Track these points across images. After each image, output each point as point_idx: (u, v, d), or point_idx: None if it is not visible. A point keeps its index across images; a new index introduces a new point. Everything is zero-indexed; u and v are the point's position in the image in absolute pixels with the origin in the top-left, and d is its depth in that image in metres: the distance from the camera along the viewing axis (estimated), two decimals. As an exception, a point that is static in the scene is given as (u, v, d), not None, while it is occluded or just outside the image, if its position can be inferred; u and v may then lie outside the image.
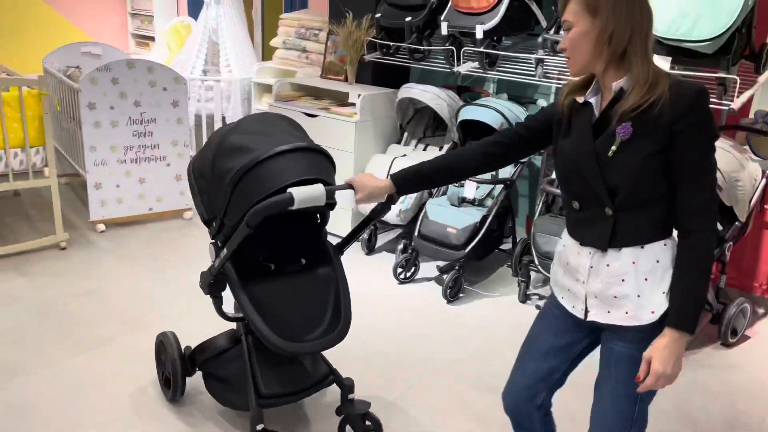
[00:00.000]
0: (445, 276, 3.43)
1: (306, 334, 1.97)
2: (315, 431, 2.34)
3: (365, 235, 3.93)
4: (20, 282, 3.31)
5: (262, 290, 2.01)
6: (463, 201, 3.58)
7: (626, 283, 1.44)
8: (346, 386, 2.17)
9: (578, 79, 1.51)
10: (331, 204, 1.88)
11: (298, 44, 4.96)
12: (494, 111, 3.43)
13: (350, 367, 2.71)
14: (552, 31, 3.39)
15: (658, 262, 1.42)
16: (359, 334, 2.99)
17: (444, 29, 3.61)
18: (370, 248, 3.96)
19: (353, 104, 4.01)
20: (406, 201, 3.68)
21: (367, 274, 3.65)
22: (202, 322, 3.01)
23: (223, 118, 5.17)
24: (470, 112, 3.51)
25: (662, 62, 2.90)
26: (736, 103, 2.82)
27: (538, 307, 3.34)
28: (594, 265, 1.48)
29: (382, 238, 4.13)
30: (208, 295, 2.09)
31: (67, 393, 2.45)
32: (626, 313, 1.45)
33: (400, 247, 3.71)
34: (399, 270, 3.58)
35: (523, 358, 1.71)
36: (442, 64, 3.85)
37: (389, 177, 1.76)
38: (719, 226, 2.79)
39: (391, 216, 3.69)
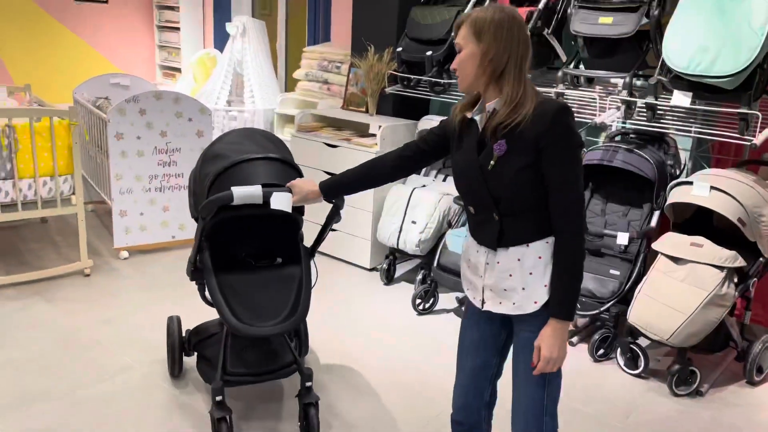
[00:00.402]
0: (463, 307, 3.41)
1: (262, 321, 2.22)
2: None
3: (385, 266, 3.94)
4: (44, 308, 3.37)
5: (233, 280, 2.30)
6: (482, 233, 3.58)
7: (513, 277, 1.64)
8: (305, 374, 2.39)
9: (469, 98, 1.70)
10: (299, 209, 2.25)
11: (321, 76, 5.05)
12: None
13: (369, 396, 2.70)
14: (572, 66, 3.43)
15: (540, 258, 1.62)
16: (378, 364, 2.98)
17: (464, 63, 3.66)
18: (389, 278, 3.97)
19: (374, 135, 4.06)
20: (426, 231, 3.69)
21: (385, 304, 3.65)
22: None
23: (246, 148, 5.25)
24: (490, 145, 3.53)
25: (683, 97, 2.91)
26: (759, 138, 2.80)
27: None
28: (488, 261, 1.69)
29: (401, 269, 4.13)
30: (196, 282, 2.42)
31: (88, 420, 2.47)
32: (514, 303, 1.66)
33: (419, 277, 3.71)
34: (418, 301, 3.57)
35: (459, 359, 1.87)
36: (462, 96, 3.89)
37: (318, 184, 2.00)
38: (733, 256, 2.76)
39: (411, 246, 3.70)
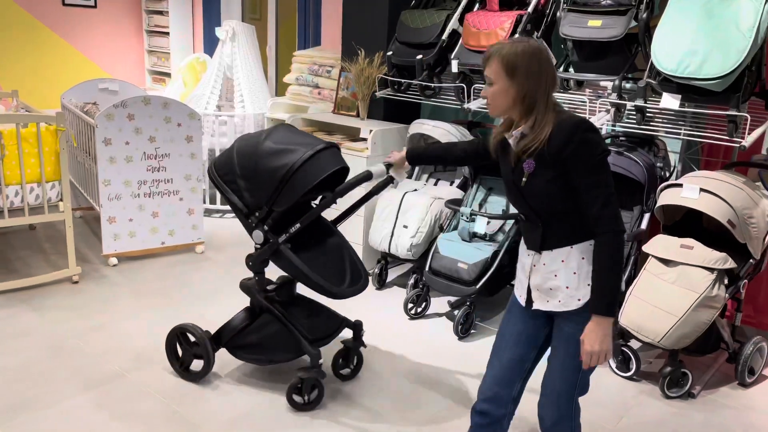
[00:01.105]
0: (456, 311, 3.41)
1: (343, 285, 2.61)
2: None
3: (376, 270, 3.92)
4: (32, 316, 3.33)
5: (303, 255, 2.58)
6: (474, 236, 3.58)
7: (558, 277, 1.80)
8: (357, 326, 2.85)
9: (505, 123, 1.88)
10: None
11: (311, 80, 5.04)
12: (505, 147, 3.45)
13: (363, 401, 2.68)
14: (562, 69, 3.43)
15: (583, 259, 1.77)
16: (370, 368, 2.96)
17: (454, 67, 3.66)
18: (381, 283, 3.95)
19: (365, 139, 4.05)
20: (417, 235, 3.68)
21: (377, 309, 3.63)
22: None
23: (236, 153, 5.23)
24: (481, 148, 3.53)
25: (672, 100, 2.92)
26: (747, 140, 2.82)
27: (550, 344, 3.30)
28: (534, 263, 1.85)
29: (393, 273, 4.12)
30: (257, 273, 2.66)
31: (77, 429, 2.43)
32: (559, 301, 1.81)
33: (411, 282, 3.70)
34: (410, 305, 3.56)
35: (497, 350, 1.98)
36: (453, 100, 3.89)
37: (406, 151, 2.37)
38: (727, 258, 2.77)
39: (402, 251, 3.69)
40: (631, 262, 3.12)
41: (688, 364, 2.93)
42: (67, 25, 6.47)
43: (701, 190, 2.82)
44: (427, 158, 2.37)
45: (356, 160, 3.95)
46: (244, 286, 2.78)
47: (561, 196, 1.74)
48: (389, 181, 2.51)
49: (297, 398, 2.62)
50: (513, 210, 3.58)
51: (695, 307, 2.70)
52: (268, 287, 2.77)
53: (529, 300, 1.88)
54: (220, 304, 3.56)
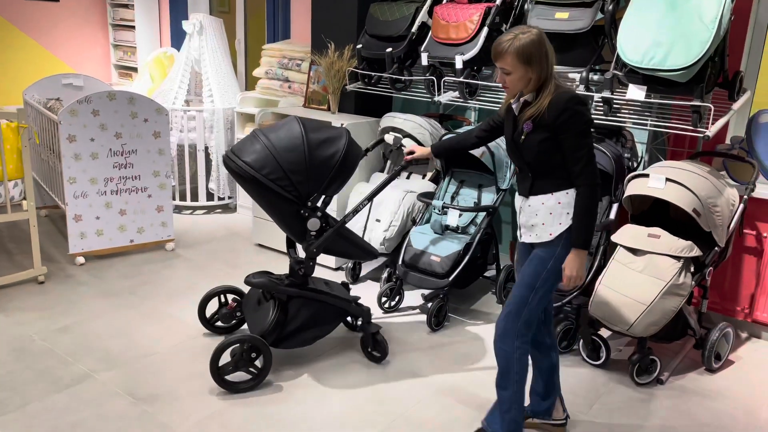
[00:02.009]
0: (429, 304, 3.41)
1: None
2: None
3: (350, 264, 3.91)
4: (-4, 318, 3.25)
5: (344, 230, 2.93)
6: (446, 229, 3.59)
7: (538, 216, 2.22)
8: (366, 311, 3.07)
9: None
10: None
11: (281, 74, 4.99)
12: (475, 139, 3.46)
13: (335, 396, 2.67)
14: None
15: (559, 203, 2.18)
16: (343, 362, 2.95)
17: (424, 60, 3.66)
18: (355, 277, 3.94)
19: (336, 133, 4.02)
20: (390, 229, 3.67)
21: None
22: (185, 355, 2.97)
23: (206, 148, 5.16)
24: (452, 141, 3.53)
25: (638, 91, 2.95)
26: (711, 130, 2.87)
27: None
28: (522, 206, 2.29)
29: (366, 267, 4.11)
30: (317, 255, 2.83)
31: (42, 433, 2.38)
32: (536, 235, 2.24)
33: (385, 275, 3.70)
34: (383, 299, 3.56)
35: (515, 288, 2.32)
36: (424, 93, 3.89)
37: (431, 147, 2.77)
38: (699, 248, 2.82)
39: (375, 244, 3.68)
40: (600, 252, 3.16)
41: (656, 351, 2.98)
42: (29, 19, 6.29)
43: (667, 179, 2.86)
44: (451, 149, 2.76)
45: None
46: (258, 284, 2.84)
47: (550, 153, 2.14)
48: (425, 161, 2.91)
49: (371, 352, 3.00)
50: (484, 202, 3.61)
51: (663, 294, 2.75)
52: (278, 277, 2.90)
53: (521, 235, 2.32)
54: (192, 301, 3.51)
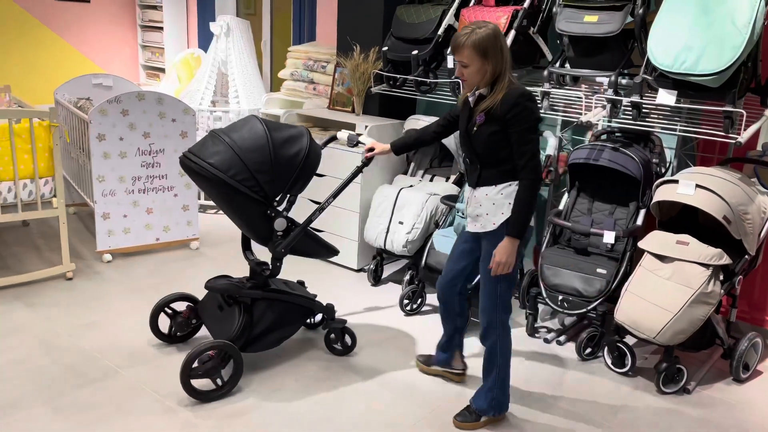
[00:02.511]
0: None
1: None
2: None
3: (372, 266, 3.91)
4: (25, 313, 3.31)
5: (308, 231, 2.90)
6: (469, 232, 3.57)
7: (482, 206, 2.37)
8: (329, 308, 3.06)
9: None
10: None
11: (306, 76, 5.02)
12: (500, 143, 3.44)
13: (358, 397, 2.68)
14: (558, 65, 3.42)
15: (501, 194, 2.33)
16: (366, 364, 2.96)
17: (450, 62, 3.65)
18: (377, 279, 3.94)
19: (360, 135, 4.03)
20: (413, 231, 3.67)
21: (373, 305, 3.62)
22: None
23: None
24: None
25: (668, 96, 2.91)
26: (744, 136, 2.81)
27: (546, 340, 3.30)
28: (469, 196, 2.44)
29: (389, 269, 4.11)
30: (284, 255, 2.78)
31: (69, 428, 2.42)
32: (481, 225, 2.38)
33: (407, 278, 3.69)
34: (405, 301, 3.55)
35: (448, 260, 2.67)
36: (448, 96, 3.88)
37: (390, 144, 2.80)
38: (720, 253, 2.77)
39: (398, 247, 3.68)
40: (626, 258, 3.12)
41: (683, 359, 2.93)
42: (60, 20, 6.42)
43: (697, 186, 2.82)
44: (410, 145, 2.77)
45: (352, 156, 3.94)
46: (221, 288, 2.79)
47: (498, 145, 2.28)
48: (365, 166, 2.91)
49: (337, 347, 3.04)
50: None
51: (691, 303, 2.70)
52: (239, 281, 2.87)
53: (467, 224, 2.48)
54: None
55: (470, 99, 2.37)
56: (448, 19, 3.78)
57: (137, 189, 4.03)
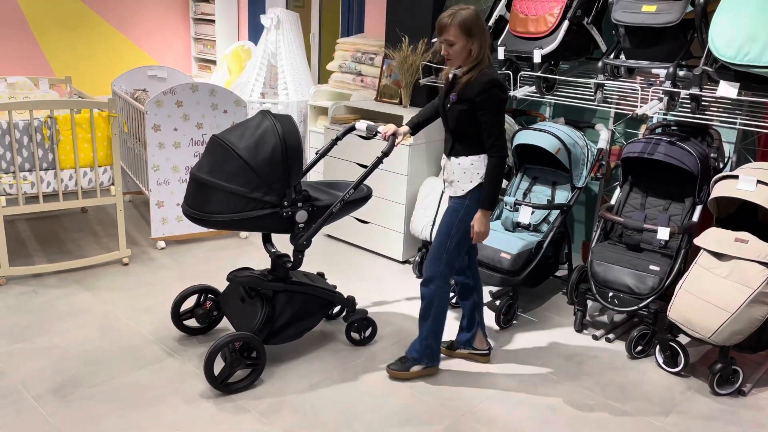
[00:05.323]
0: (497, 302, 3.38)
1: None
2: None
3: (417, 258, 3.92)
4: (85, 296, 3.45)
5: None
6: (517, 226, 3.54)
7: (454, 174, 2.62)
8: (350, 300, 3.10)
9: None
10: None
11: (354, 68, 5.04)
12: (551, 135, 3.39)
13: (401, 391, 2.70)
14: (612, 56, 3.34)
15: (472, 164, 2.57)
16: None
17: (501, 54, 3.61)
18: (422, 271, 3.94)
19: (408, 127, 4.03)
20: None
21: (418, 297, 3.62)
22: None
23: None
24: (527, 137, 3.48)
25: (730, 88, 2.81)
26: (810, 131, 2.70)
27: (595, 337, 3.25)
28: (444, 164, 2.69)
29: (434, 262, 4.10)
30: (307, 247, 2.79)
31: (127, 407, 2.52)
32: (453, 190, 2.64)
33: (453, 271, 3.68)
34: (451, 294, 3.55)
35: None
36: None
37: (406, 124, 2.91)
38: None
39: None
40: (681, 255, 3.04)
41: (739, 361, 2.84)
42: (117, 13, 6.62)
43: (758, 182, 2.72)
44: (422, 123, 2.88)
45: (399, 148, 3.94)
46: (243, 280, 2.79)
47: (467, 123, 2.52)
48: (392, 148, 2.83)
49: (355, 335, 3.09)
50: (558, 200, 3.53)
51: (749, 302, 2.62)
52: (261, 273, 2.87)
53: (445, 190, 2.72)
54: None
55: (450, 76, 2.59)
56: (499, 9, 3.74)
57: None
